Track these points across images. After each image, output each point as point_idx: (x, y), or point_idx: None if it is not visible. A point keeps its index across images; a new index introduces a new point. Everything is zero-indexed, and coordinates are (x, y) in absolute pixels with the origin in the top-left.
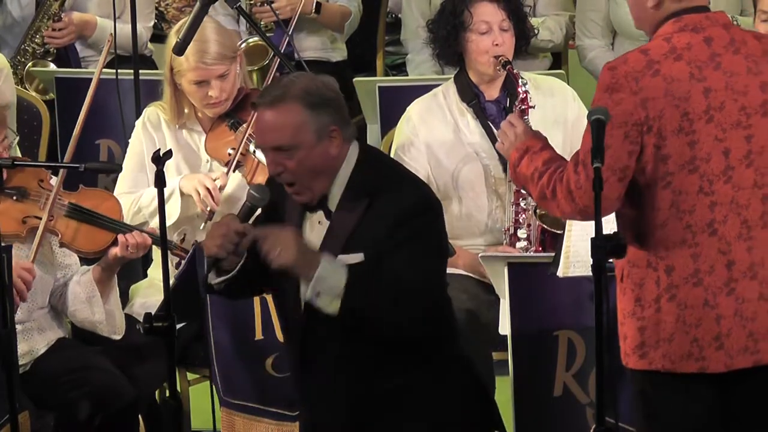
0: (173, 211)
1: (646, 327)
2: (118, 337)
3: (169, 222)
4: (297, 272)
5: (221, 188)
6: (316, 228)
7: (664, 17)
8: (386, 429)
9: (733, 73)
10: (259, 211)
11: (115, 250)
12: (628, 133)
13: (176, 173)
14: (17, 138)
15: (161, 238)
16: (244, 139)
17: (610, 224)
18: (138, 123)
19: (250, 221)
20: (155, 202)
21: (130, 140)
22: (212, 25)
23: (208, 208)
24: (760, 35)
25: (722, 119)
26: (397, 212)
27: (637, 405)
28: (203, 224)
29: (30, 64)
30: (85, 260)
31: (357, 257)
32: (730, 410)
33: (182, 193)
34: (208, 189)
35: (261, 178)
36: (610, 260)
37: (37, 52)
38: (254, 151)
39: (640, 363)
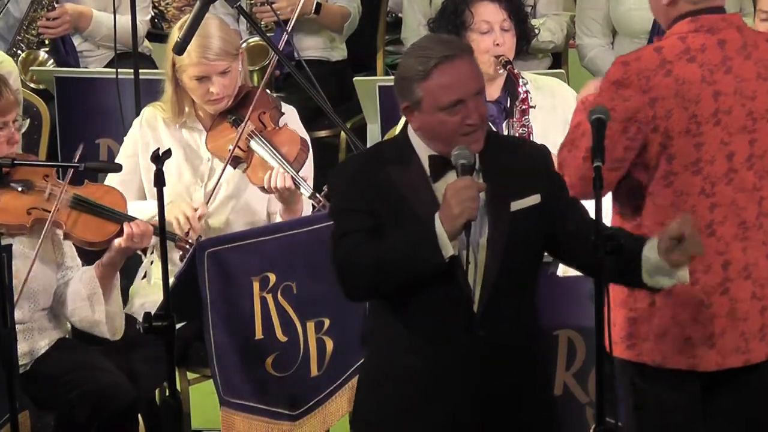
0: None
1: (638, 319)
2: (116, 338)
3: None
4: None
5: (200, 218)
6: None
7: (678, 15)
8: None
9: (744, 78)
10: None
11: (120, 241)
12: (627, 128)
13: (176, 173)
14: (27, 120)
15: (161, 239)
16: (242, 135)
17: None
18: (134, 124)
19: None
20: (143, 216)
21: (124, 139)
22: (215, 22)
23: (188, 237)
24: None
25: (729, 123)
26: (541, 161)
27: (626, 397)
28: (179, 253)
29: (24, 54)
30: (88, 258)
31: (534, 199)
32: (714, 407)
33: None
34: (187, 217)
35: (257, 176)
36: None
37: (32, 42)
38: (256, 147)
39: (627, 353)
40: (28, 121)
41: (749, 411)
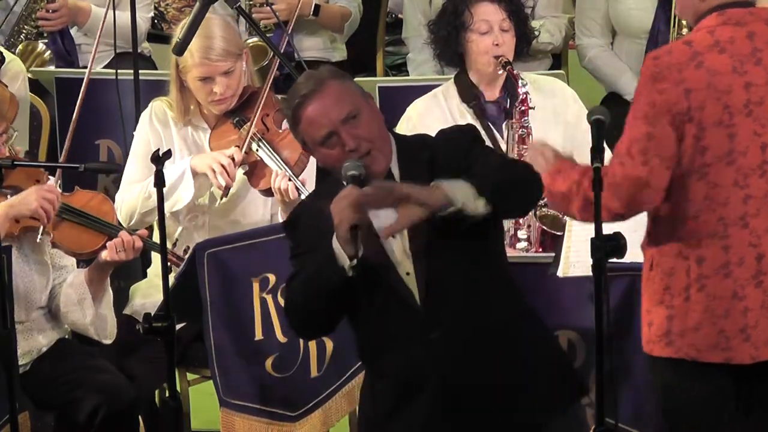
0: (185, 192)
1: (674, 316)
2: (108, 342)
3: (181, 204)
4: (427, 202)
5: (237, 164)
6: (383, 213)
7: (707, 9)
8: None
9: None
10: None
11: (105, 254)
12: (673, 121)
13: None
14: (16, 133)
15: (161, 238)
16: (248, 137)
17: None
18: (144, 115)
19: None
20: (168, 184)
21: (135, 132)
22: (218, 22)
23: (224, 185)
24: None
25: (761, 114)
26: (461, 146)
27: (658, 399)
28: (219, 200)
29: (21, 45)
30: (81, 262)
31: None
32: (752, 401)
33: (195, 173)
34: (223, 165)
35: (257, 178)
36: (610, 260)
37: (31, 34)
38: (257, 150)
39: (665, 351)
40: (16, 134)
41: None
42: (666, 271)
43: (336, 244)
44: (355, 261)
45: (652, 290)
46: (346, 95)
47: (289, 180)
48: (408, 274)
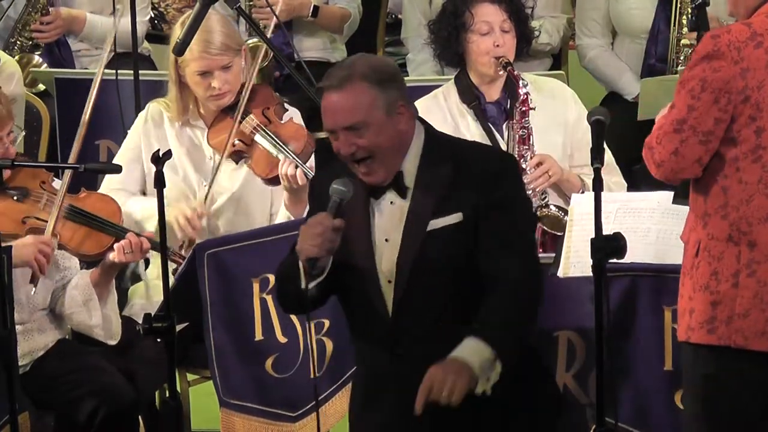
0: (150, 227)
1: (720, 302)
2: (113, 342)
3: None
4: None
5: (200, 217)
6: (387, 210)
7: (758, 3)
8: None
9: None
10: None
11: (112, 255)
12: (718, 99)
13: (181, 170)
14: (23, 133)
15: (161, 239)
16: (235, 129)
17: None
18: (139, 117)
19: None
20: (141, 213)
21: (128, 132)
22: (217, 17)
23: (186, 240)
24: None
25: None
26: (487, 175)
27: (695, 390)
28: (179, 249)
29: (17, 57)
30: (85, 263)
31: (455, 218)
32: None
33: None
34: (187, 218)
35: (263, 168)
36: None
37: (26, 46)
38: (262, 141)
39: (707, 338)
40: (22, 134)
41: None
42: (714, 256)
43: (302, 263)
44: (312, 284)
45: (697, 276)
46: (362, 105)
47: (296, 167)
48: (390, 282)
